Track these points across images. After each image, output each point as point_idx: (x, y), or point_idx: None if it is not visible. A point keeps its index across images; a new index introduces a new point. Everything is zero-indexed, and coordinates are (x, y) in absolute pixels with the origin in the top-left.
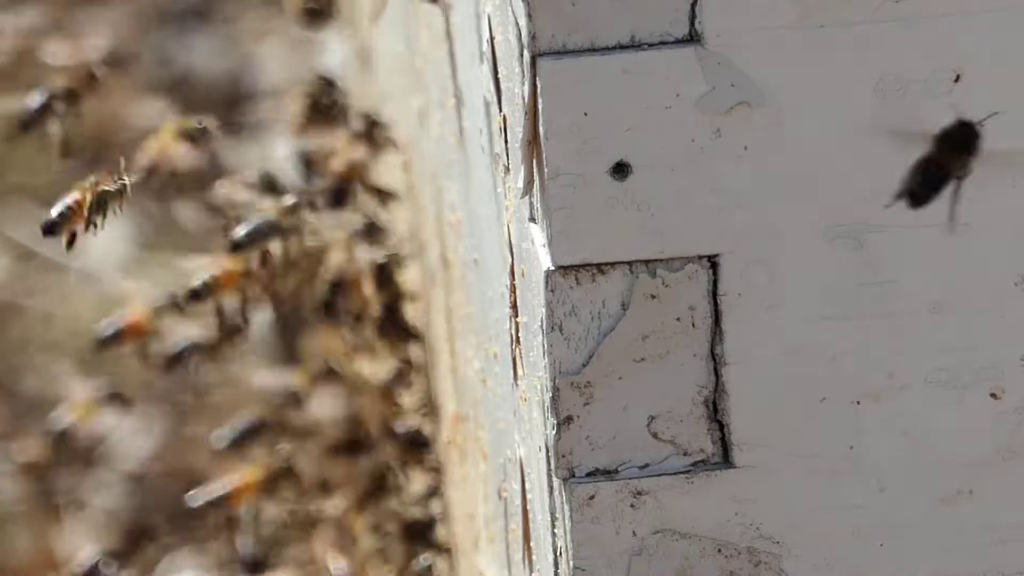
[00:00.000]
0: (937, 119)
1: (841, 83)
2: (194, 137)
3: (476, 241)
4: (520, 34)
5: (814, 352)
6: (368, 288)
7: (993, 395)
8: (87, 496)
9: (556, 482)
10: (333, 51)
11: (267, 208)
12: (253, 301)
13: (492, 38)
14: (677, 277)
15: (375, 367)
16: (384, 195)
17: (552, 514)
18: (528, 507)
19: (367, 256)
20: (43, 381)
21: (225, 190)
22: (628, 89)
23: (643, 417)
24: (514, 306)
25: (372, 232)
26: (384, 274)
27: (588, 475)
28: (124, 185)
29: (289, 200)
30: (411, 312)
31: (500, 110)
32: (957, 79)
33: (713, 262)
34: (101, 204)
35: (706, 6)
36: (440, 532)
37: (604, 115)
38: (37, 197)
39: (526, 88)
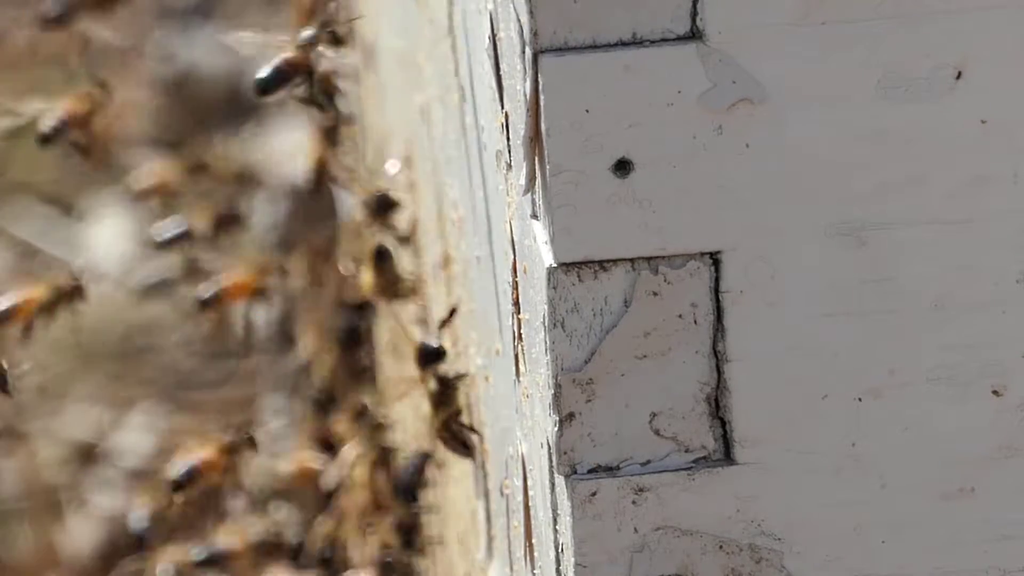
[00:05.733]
0: None
1: (843, 80)
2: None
3: (478, 238)
4: (522, 31)
5: (816, 349)
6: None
7: (995, 392)
8: (89, 493)
9: (558, 479)
10: None
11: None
12: None
13: (494, 35)
14: (679, 274)
15: None
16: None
17: (554, 511)
18: (530, 504)
19: None
20: (45, 378)
21: None
22: (630, 86)
23: (645, 414)
24: (516, 303)
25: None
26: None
27: (590, 472)
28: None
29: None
30: None
31: (502, 107)
32: (959, 76)
33: (715, 259)
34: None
35: (708, 3)
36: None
37: (606, 112)
38: (39, 194)
39: (528, 85)
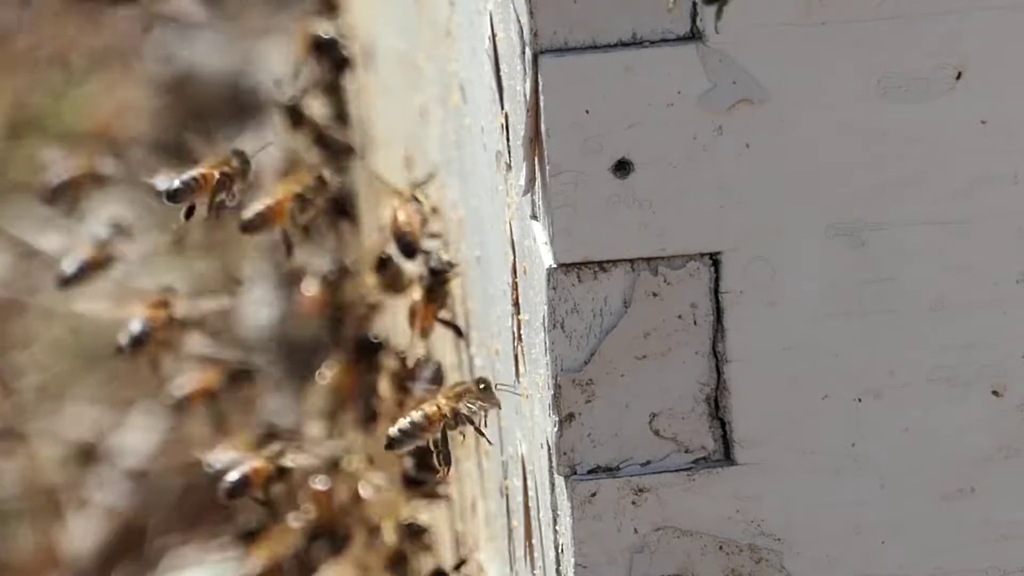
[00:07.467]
0: None
1: (843, 80)
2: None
3: (478, 238)
4: (522, 31)
5: (816, 349)
6: None
7: (995, 392)
8: (89, 493)
9: (558, 479)
10: None
11: None
12: None
13: (494, 35)
14: (679, 275)
15: None
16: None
17: (554, 511)
18: (530, 504)
19: None
20: (45, 378)
21: None
22: (630, 86)
23: (645, 414)
24: (516, 303)
25: None
26: None
27: (590, 472)
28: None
29: None
30: None
31: (502, 107)
32: (959, 76)
33: (715, 259)
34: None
35: None
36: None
37: (606, 112)
38: (39, 194)
39: (528, 85)
